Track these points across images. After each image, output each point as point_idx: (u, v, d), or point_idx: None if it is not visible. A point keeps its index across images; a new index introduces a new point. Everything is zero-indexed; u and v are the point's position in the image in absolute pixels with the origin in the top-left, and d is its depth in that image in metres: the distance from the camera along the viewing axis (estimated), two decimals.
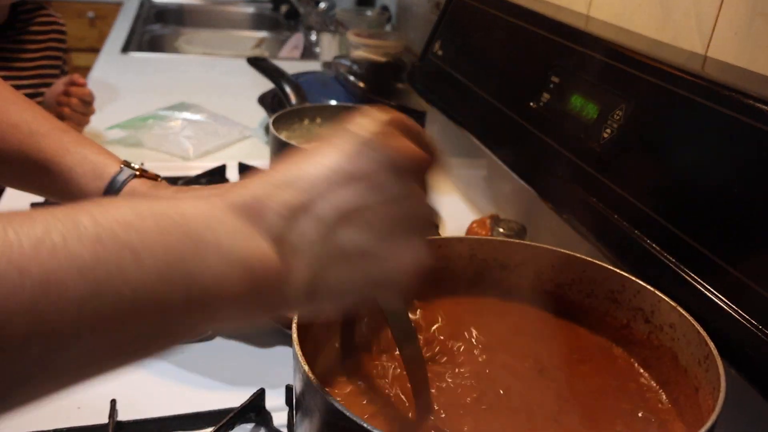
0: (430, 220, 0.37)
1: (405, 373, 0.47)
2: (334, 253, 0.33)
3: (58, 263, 0.24)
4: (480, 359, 0.50)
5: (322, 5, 2.14)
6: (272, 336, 0.66)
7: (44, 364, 0.24)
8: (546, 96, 0.77)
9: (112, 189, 0.57)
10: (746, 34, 0.62)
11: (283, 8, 2.42)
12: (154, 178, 0.61)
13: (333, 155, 0.34)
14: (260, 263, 0.31)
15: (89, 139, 0.61)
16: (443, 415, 0.45)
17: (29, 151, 0.57)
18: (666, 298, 0.49)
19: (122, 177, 0.58)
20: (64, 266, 0.24)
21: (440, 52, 1.07)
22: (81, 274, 0.24)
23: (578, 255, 0.54)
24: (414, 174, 0.36)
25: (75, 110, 1.15)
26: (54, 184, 0.57)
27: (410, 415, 0.45)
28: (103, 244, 0.25)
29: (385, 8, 1.96)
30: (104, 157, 0.60)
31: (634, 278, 0.51)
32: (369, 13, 1.91)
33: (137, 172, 0.59)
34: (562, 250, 0.54)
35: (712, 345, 0.44)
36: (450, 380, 0.48)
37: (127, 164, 0.59)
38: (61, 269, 0.24)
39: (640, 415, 0.46)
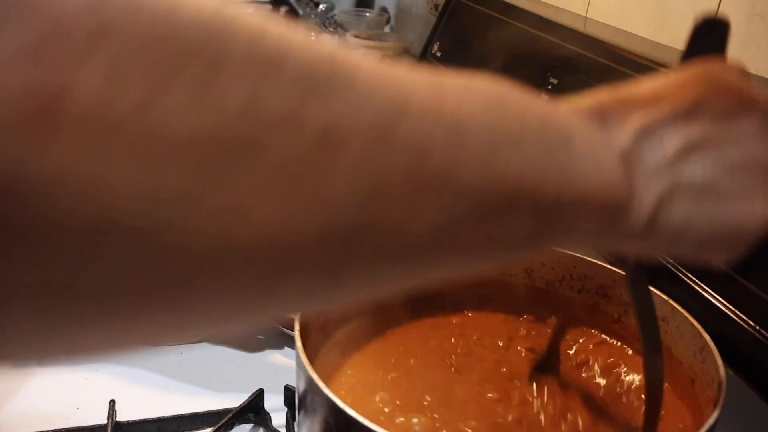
0: None
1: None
2: (681, 184, 0.30)
3: (463, 113, 0.22)
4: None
5: (322, 6, 2.14)
6: (268, 339, 0.66)
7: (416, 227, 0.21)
8: (545, 97, 0.77)
9: None
10: (744, 36, 0.62)
11: (283, 9, 2.42)
12: None
13: (684, 82, 0.31)
14: (614, 179, 0.28)
15: None
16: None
17: None
18: (657, 292, 0.49)
19: None
20: (473, 119, 0.22)
21: (439, 54, 1.08)
22: (486, 139, 0.23)
23: (568, 252, 0.54)
24: (767, 118, 0.32)
25: None
26: None
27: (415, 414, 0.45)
28: (501, 116, 0.24)
29: (384, 10, 1.96)
30: None
31: (624, 273, 0.51)
32: (368, 14, 1.91)
33: None
34: (552, 248, 0.54)
35: (707, 337, 0.44)
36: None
37: None
38: (467, 121, 0.22)
39: (635, 409, 0.46)
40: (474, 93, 0.24)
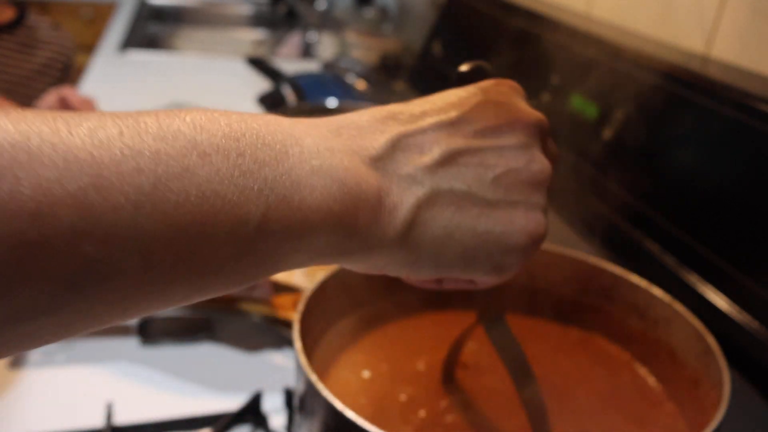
0: (548, 185, 0.33)
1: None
2: (442, 191, 0.29)
3: (111, 155, 0.21)
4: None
5: (322, 5, 2.13)
6: (266, 339, 0.66)
7: (100, 271, 0.21)
8: (546, 96, 0.76)
9: None
10: (748, 33, 0.61)
11: (282, 7, 2.42)
12: None
13: (453, 100, 0.31)
14: (355, 181, 0.27)
15: None
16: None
17: None
18: (660, 294, 0.48)
19: None
20: (118, 159, 0.21)
21: (439, 52, 1.07)
22: (138, 170, 0.21)
23: (570, 254, 0.54)
24: (532, 132, 0.32)
25: None
26: None
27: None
28: (167, 141, 0.22)
29: (384, 8, 1.95)
30: None
31: (627, 275, 0.51)
32: (368, 12, 1.91)
33: None
34: (554, 250, 0.54)
35: (710, 339, 0.44)
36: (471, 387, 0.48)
37: None
38: (114, 161, 0.21)
39: (640, 412, 0.46)
40: (148, 124, 0.22)
